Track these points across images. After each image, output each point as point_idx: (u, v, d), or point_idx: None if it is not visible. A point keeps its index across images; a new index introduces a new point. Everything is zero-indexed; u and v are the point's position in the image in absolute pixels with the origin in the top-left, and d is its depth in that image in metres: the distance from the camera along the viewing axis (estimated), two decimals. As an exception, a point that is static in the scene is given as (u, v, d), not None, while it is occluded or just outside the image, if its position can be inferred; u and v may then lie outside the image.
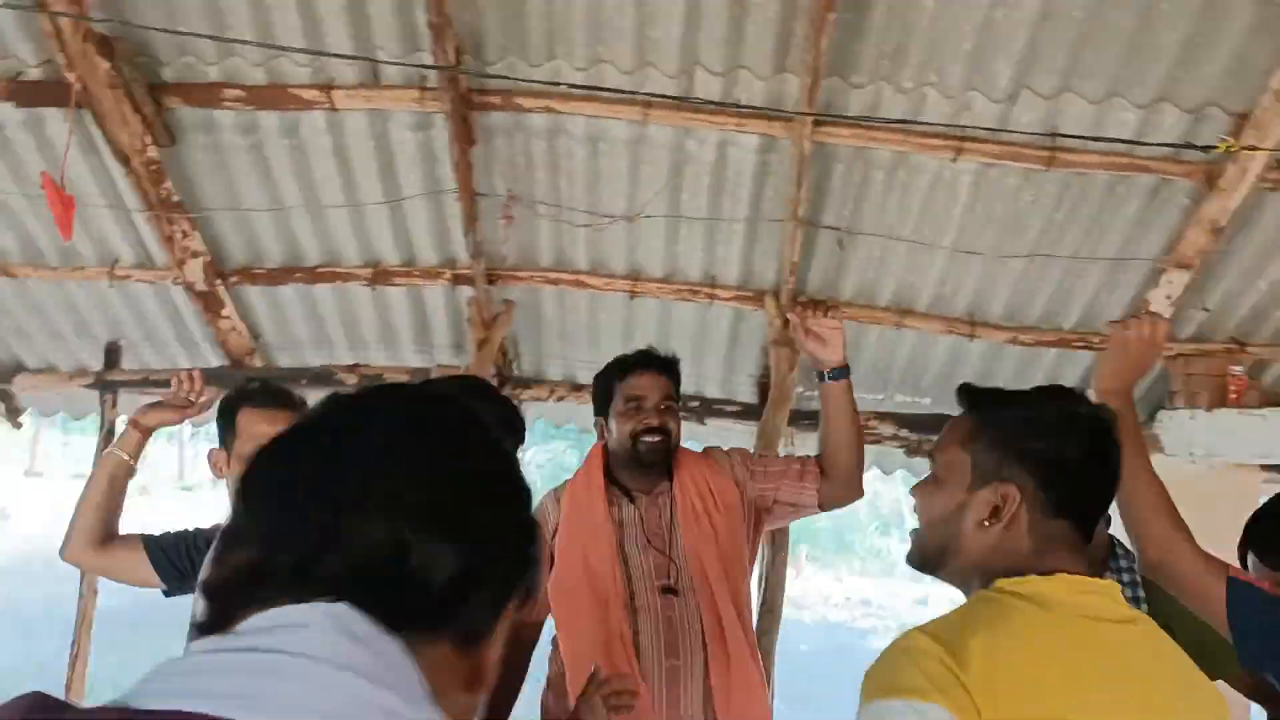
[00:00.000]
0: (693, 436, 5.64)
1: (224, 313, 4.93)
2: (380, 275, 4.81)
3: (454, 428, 0.86)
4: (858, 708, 1.29)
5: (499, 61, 3.90)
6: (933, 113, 3.83)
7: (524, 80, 3.87)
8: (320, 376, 5.11)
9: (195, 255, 4.62)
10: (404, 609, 0.73)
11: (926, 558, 1.56)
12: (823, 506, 2.78)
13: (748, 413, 5.17)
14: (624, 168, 4.25)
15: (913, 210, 4.20)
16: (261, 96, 4.02)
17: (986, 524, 1.45)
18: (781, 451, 4.92)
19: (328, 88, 3.98)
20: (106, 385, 5.28)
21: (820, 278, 4.59)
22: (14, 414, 5.83)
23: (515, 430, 2.00)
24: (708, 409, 5.23)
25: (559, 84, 3.90)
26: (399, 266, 4.81)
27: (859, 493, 2.76)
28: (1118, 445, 1.49)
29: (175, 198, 4.36)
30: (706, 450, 2.92)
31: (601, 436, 2.86)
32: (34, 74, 3.96)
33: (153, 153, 4.13)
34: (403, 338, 5.20)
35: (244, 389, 2.60)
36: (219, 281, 4.77)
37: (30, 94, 3.95)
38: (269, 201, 4.48)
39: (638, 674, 2.54)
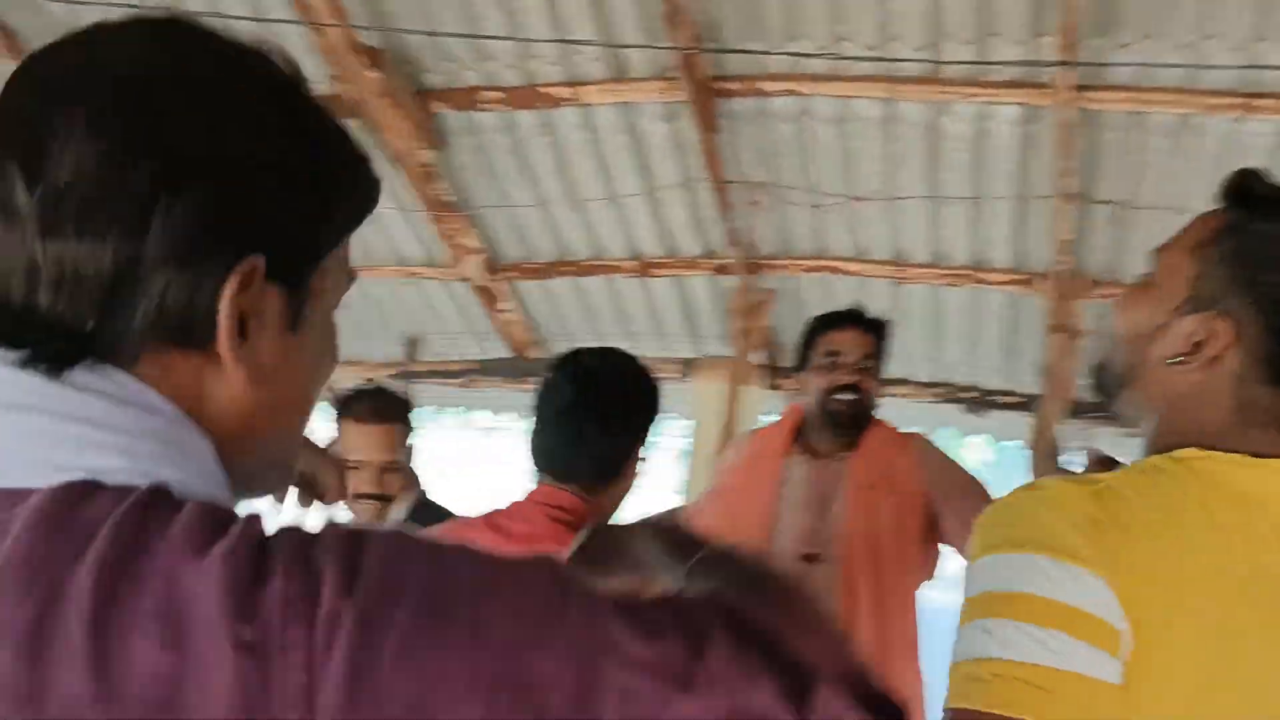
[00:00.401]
0: (973, 430, 5.34)
1: (502, 306, 5.18)
2: (644, 267, 4.89)
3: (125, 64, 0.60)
4: (964, 576, 0.99)
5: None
6: (1216, 68, 3.40)
7: (765, 53, 3.81)
8: (594, 368, 5.24)
9: (471, 252, 4.88)
10: (60, 334, 0.57)
11: (1103, 379, 1.20)
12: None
13: (1031, 404, 4.80)
14: (876, 148, 4.07)
15: (1201, 178, 3.74)
16: (517, 96, 4.18)
17: (1177, 361, 1.07)
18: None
19: (576, 84, 4.08)
20: (409, 375, 5.68)
21: (1100, 258, 4.20)
22: (334, 403, 6.39)
23: (652, 404, 1.85)
24: (984, 400, 4.92)
25: (799, 54, 3.79)
26: (662, 258, 4.87)
27: None
28: None
29: (449, 197, 4.62)
30: (909, 433, 2.70)
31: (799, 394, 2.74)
32: (320, 89, 4.31)
33: (424, 155, 4.40)
34: (670, 328, 5.24)
35: (347, 396, 2.53)
36: (495, 276, 5.02)
37: (317, 107, 4.31)
38: (534, 198, 4.66)
39: None
